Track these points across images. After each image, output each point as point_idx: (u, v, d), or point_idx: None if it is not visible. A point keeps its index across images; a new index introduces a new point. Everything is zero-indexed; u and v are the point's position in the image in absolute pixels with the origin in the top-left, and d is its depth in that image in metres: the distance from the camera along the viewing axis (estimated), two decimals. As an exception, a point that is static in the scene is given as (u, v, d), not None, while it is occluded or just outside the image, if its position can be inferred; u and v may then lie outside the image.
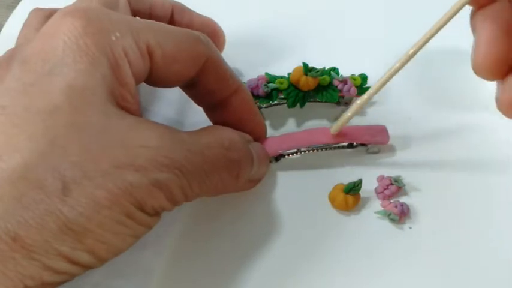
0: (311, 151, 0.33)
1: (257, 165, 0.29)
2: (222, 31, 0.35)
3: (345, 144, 0.33)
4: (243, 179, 0.28)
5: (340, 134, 0.33)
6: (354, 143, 0.33)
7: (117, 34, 0.23)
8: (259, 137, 0.31)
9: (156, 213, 0.23)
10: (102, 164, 0.21)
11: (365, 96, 0.29)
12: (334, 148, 0.33)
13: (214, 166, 0.25)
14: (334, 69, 0.36)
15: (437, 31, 0.26)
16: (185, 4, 0.35)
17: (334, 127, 0.31)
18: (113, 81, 0.23)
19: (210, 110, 0.30)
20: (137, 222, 0.22)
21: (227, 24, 0.36)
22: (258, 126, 0.31)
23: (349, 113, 0.30)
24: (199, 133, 0.26)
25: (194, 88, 0.28)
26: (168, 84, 0.27)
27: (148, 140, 0.23)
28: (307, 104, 0.35)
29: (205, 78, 0.27)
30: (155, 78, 0.26)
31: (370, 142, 0.33)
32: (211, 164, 0.25)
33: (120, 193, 0.21)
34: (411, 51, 0.27)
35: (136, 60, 0.24)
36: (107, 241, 0.22)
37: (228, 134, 0.27)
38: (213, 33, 0.34)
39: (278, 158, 0.33)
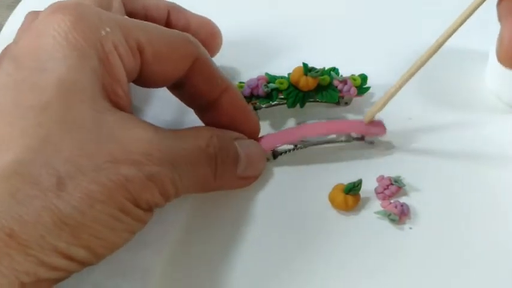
0: (308, 147, 0.33)
1: (245, 163, 0.29)
2: (219, 31, 0.35)
3: (343, 138, 0.33)
4: (224, 176, 0.28)
5: (337, 126, 0.33)
6: (352, 137, 0.33)
7: (107, 29, 0.23)
8: (252, 134, 0.31)
9: (150, 209, 0.24)
10: (97, 159, 0.21)
11: (397, 83, 0.30)
12: (331, 142, 0.33)
13: (196, 162, 0.26)
14: (334, 69, 0.36)
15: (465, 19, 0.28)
16: (185, 4, 0.35)
17: (368, 115, 0.32)
18: (103, 76, 0.23)
19: (200, 112, 0.30)
20: (132, 218, 0.22)
21: (227, 24, 0.36)
22: (251, 124, 0.31)
23: (382, 100, 0.31)
24: (183, 131, 0.27)
25: (183, 88, 0.28)
26: (157, 83, 0.27)
27: (142, 134, 0.23)
28: (307, 104, 0.35)
29: (194, 78, 0.28)
30: (145, 77, 0.26)
31: (366, 133, 0.33)
32: (193, 159, 0.25)
33: (115, 187, 0.21)
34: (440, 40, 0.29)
35: (127, 55, 0.24)
36: (102, 236, 0.22)
37: (208, 131, 0.27)
38: (210, 34, 0.35)
39: (276, 155, 0.33)
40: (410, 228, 0.30)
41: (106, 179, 0.21)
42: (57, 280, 0.22)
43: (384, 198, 0.31)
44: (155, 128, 0.24)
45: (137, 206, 0.22)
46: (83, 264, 0.22)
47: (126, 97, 0.24)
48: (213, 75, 0.28)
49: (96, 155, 0.21)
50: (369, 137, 0.33)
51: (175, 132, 0.26)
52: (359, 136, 0.33)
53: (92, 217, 0.21)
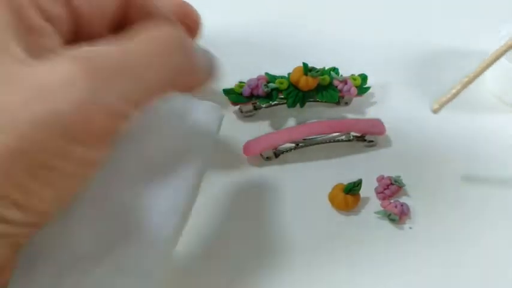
0: (309, 146, 0.33)
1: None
2: (197, 13, 0.31)
3: (343, 137, 0.33)
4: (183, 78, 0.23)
5: (337, 125, 0.33)
6: (351, 136, 0.33)
7: None
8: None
9: (100, 141, 0.20)
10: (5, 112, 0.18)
11: (472, 74, 0.29)
12: (331, 141, 0.33)
13: (147, 65, 0.21)
14: (334, 69, 0.36)
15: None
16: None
17: (437, 103, 0.30)
18: (19, 28, 0.20)
19: None
20: (70, 161, 0.19)
21: (228, 24, 0.36)
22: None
23: (454, 89, 0.29)
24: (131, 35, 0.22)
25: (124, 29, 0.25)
26: (94, 27, 0.24)
27: (57, 75, 0.19)
28: (307, 103, 0.35)
29: (131, 13, 0.24)
30: (79, 25, 0.23)
31: (366, 132, 0.33)
32: (142, 64, 0.21)
33: (29, 134, 0.18)
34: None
35: (47, 2, 0.21)
36: (33, 191, 0.19)
37: (162, 31, 0.22)
38: (185, 16, 0.31)
39: (277, 154, 0.33)
40: (411, 228, 0.30)
41: (14, 127, 0.18)
42: (8, 248, 0.20)
43: (384, 198, 0.31)
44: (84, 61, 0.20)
45: (75, 144, 0.19)
46: (29, 225, 0.20)
47: (54, 43, 0.21)
48: (148, 4, 0.25)
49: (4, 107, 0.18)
50: (369, 137, 0.33)
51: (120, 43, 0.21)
52: (359, 135, 0.33)
53: (4, 173, 0.18)
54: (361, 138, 0.33)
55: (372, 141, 0.33)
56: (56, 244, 0.23)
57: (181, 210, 0.30)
